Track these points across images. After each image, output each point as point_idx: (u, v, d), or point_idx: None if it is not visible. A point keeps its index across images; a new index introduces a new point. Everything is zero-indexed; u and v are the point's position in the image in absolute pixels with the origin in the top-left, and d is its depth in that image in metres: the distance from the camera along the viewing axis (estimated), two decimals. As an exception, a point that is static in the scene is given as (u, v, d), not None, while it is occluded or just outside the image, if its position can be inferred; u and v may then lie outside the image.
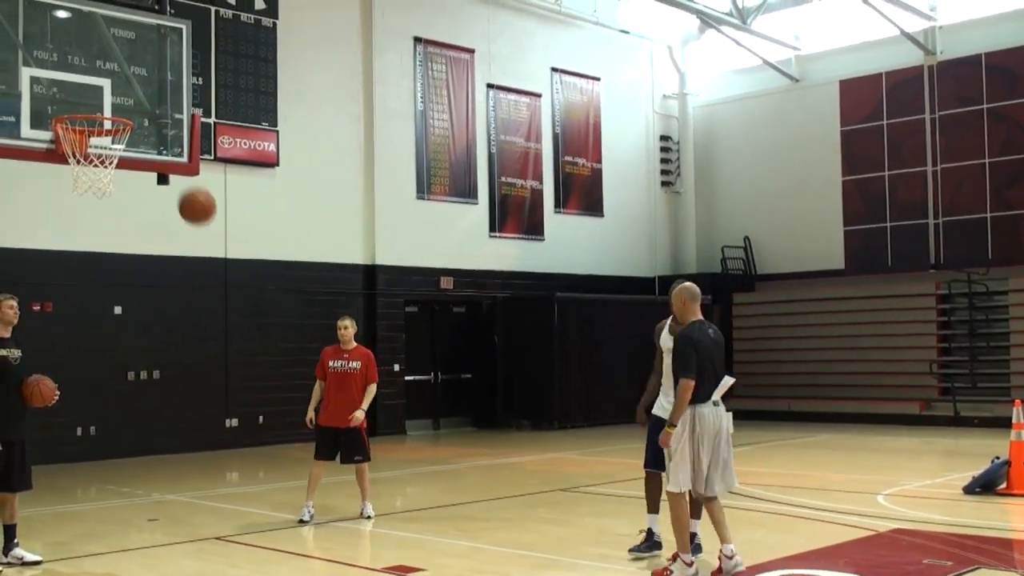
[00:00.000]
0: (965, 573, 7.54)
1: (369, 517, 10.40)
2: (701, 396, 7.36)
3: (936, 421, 20.52)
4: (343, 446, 10.46)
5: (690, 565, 7.47)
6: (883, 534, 9.12)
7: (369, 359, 10.59)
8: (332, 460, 10.52)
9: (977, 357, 21.46)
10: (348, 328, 10.52)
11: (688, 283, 7.72)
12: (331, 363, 10.49)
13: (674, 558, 7.60)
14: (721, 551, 7.49)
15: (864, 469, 14.42)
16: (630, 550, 8.28)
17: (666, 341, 8.04)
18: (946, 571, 7.58)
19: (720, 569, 7.45)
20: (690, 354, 7.34)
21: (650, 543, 8.32)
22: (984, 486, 11.22)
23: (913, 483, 12.51)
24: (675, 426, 7.37)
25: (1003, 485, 11.17)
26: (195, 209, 9.90)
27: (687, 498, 7.56)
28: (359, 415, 10.36)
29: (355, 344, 10.61)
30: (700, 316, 7.61)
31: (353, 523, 10.27)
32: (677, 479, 7.44)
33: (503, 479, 14.09)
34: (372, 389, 10.53)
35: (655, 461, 8.22)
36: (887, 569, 7.75)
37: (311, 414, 10.52)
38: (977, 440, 17.05)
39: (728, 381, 7.51)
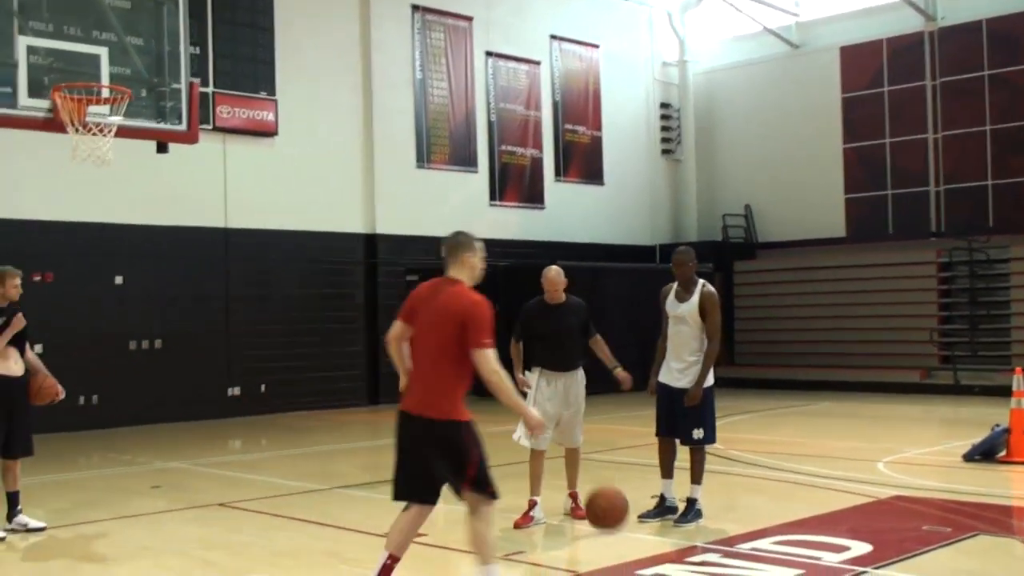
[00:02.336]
0: (964, 539, 7.58)
1: None
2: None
3: (936, 389, 20.53)
4: None
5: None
6: (883, 501, 9.15)
7: None
8: None
9: (977, 325, 21.47)
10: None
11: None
12: None
13: (531, 505, 8.32)
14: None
15: (865, 437, 14.45)
16: (639, 516, 8.23)
17: (672, 307, 8.37)
18: (945, 537, 7.62)
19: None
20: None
21: (662, 508, 8.35)
22: (984, 453, 11.25)
23: (913, 451, 12.56)
24: None
25: (1003, 453, 11.21)
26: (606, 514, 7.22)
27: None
28: None
29: None
30: None
31: (358, 491, 10.30)
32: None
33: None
34: None
35: (666, 428, 8.41)
36: (887, 535, 7.78)
37: None
38: (977, 408, 17.10)
39: None
